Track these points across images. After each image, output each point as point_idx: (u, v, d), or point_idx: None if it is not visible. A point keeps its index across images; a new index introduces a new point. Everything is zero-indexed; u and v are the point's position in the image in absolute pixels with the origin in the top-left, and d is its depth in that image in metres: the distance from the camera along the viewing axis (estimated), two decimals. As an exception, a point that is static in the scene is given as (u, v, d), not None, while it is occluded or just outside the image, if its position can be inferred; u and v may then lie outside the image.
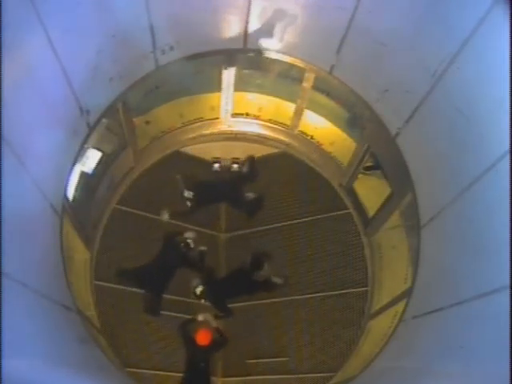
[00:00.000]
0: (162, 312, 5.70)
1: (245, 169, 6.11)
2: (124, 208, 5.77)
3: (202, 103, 5.79)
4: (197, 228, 6.00)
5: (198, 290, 5.63)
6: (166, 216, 5.81)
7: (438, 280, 3.90)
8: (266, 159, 6.28)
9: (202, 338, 5.28)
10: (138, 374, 5.44)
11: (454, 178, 3.61)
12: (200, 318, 5.53)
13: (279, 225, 6.08)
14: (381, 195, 5.28)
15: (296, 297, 5.84)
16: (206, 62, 4.97)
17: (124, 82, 4.55)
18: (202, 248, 5.77)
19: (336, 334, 5.69)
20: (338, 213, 6.03)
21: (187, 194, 5.75)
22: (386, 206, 5.21)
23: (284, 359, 5.72)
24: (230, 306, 5.81)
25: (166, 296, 5.72)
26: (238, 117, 6.05)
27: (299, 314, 5.82)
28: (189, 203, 5.82)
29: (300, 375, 5.70)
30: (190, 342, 5.36)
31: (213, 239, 6.13)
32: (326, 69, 4.78)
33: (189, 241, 5.65)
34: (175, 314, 5.76)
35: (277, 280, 5.75)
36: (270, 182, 6.20)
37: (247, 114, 6.05)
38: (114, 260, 5.63)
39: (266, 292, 5.78)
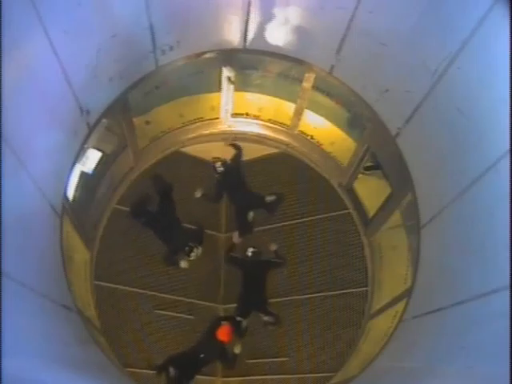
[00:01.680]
0: (162, 312, 5.71)
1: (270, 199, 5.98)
2: (124, 208, 5.77)
3: (202, 103, 5.79)
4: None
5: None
6: (199, 194, 5.86)
7: (437, 280, 3.89)
8: (266, 159, 6.28)
9: (224, 333, 5.27)
10: (138, 374, 5.44)
11: (453, 178, 3.61)
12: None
13: (279, 225, 6.08)
14: (381, 195, 5.28)
15: (296, 297, 5.84)
16: (205, 62, 4.98)
17: (124, 81, 4.54)
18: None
19: (336, 333, 5.69)
20: (338, 213, 6.03)
21: (218, 166, 5.80)
22: (386, 206, 5.21)
23: (284, 359, 5.71)
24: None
25: (166, 296, 5.72)
26: (237, 117, 6.06)
27: (299, 314, 5.82)
28: (217, 176, 5.84)
29: (300, 375, 5.69)
30: (209, 331, 5.38)
31: (213, 239, 6.12)
32: (326, 69, 4.78)
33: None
34: (175, 314, 5.76)
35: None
36: (270, 182, 6.20)
37: (247, 114, 6.05)
38: (114, 260, 5.64)
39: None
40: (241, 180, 5.91)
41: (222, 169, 5.78)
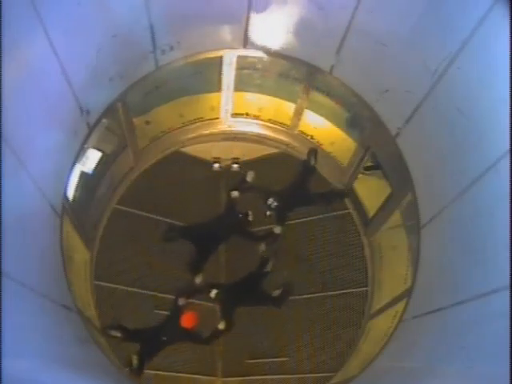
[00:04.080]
0: (162, 312, 5.70)
1: (312, 161, 5.98)
2: (124, 208, 5.77)
3: (202, 103, 5.79)
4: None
5: (213, 293, 5.58)
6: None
7: (437, 280, 3.90)
8: (266, 159, 6.28)
9: (187, 320, 5.36)
10: (138, 374, 5.44)
11: (454, 177, 3.61)
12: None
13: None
14: (381, 195, 5.28)
15: (296, 297, 5.84)
16: (205, 62, 4.98)
17: (124, 81, 4.55)
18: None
19: (336, 333, 5.69)
20: (338, 213, 6.03)
21: (271, 202, 5.75)
22: (386, 206, 5.21)
23: (284, 359, 5.71)
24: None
25: (166, 296, 5.72)
26: (237, 117, 6.06)
27: (299, 313, 5.82)
28: (268, 212, 5.82)
29: (300, 375, 5.69)
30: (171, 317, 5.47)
31: (213, 239, 6.11)
32: (326, 69, 4.78)
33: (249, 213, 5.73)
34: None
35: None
36: (270, 182, 6.19)
37: (247, 114, 6.05)
38: (114, 260, 5.63)
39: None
40: (292, 196, 5.95)
41: (276, 203, 5.76)
